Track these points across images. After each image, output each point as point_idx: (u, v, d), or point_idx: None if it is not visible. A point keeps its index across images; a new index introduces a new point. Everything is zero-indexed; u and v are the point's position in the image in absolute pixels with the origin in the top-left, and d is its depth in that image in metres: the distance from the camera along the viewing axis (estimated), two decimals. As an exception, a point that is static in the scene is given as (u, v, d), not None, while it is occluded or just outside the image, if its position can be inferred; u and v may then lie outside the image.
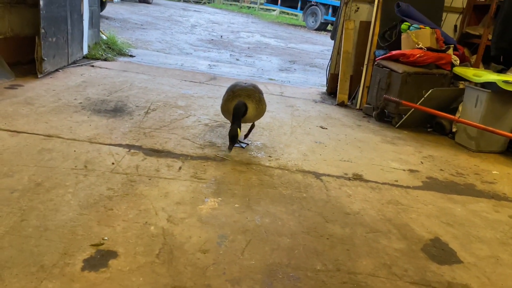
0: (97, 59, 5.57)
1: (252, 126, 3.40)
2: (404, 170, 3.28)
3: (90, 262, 1.70)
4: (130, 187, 2.36)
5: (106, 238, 1.87)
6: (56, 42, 4.45)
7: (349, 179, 2.96)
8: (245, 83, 3.22)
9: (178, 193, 2.39)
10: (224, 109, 3.18)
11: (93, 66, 5.23)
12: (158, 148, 2.98)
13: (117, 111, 3.66)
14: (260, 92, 3.21)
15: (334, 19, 11.41)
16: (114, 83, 4.58)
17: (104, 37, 6.42)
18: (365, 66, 5.15)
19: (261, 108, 3.14)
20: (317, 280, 1.82)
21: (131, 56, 6.30)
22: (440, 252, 2.19)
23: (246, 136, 3.41)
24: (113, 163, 2.62)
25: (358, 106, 5.17)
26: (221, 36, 10.77)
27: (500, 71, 4.78)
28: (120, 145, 2.92)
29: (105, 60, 5.66)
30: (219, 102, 4.47)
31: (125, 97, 4.09)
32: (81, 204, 2.11)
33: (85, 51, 5.48)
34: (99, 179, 2.40)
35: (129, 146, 2.93)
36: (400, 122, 4.45)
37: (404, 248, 2.17)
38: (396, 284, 1.87)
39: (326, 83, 5.89)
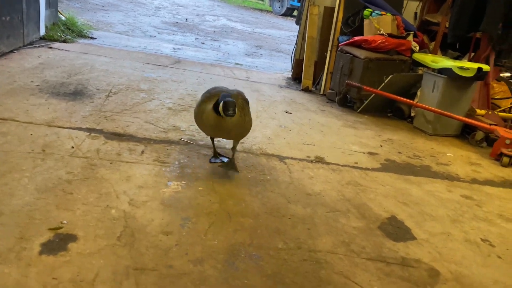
0: (55, 40, 5.34)
1: (234, 148, 2.65)
2: (364, 153, 3.38)
3: (48, 246, 1.67)
4: (90, 171, 2.31)
5: (65, 221, 1.84)
6: (10, 21, 4.23)
7: (311, 161, 3.02)
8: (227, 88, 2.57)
9: (141, 176, 2.37)
10: (199, 114, 2.43)
11: (51, 47, 5.02)
12: (119, 131, 2.92)
13: (77, 94, 3.54)
14: (245, 100, 2.52)
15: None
16: (74, 65, 4.43)
17: (63, 18, 6.15)
18: (328, 52, 5.22)
19: (243, 119, 2.40)
20: (278, 258, 1.87)
21: (92, 38, 6.09)
22: (396, 229, 2.29)
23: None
24: (72, 147, 2.56)
25: (322, 92, 5.25)
26: (186, 19, 10.57)
27: (456, 58, 4.99)
28: (80, 129, 2.85)
29: (64, 41, 5.43)
30: (183, 86, 4.43)
31: (86, 80, 3.96)
32: (39, 188, 2.05)
33: (42, 32, 5.24)
34: (58, 163, 2.34)
35: (90, 130, 2.86)
36: (361, 107, 4.56)
37: (362, 226, 2.26)
38: (353, 261, 1.94)
39: (291, 69, 5.93)
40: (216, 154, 2.72)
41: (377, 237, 2.18)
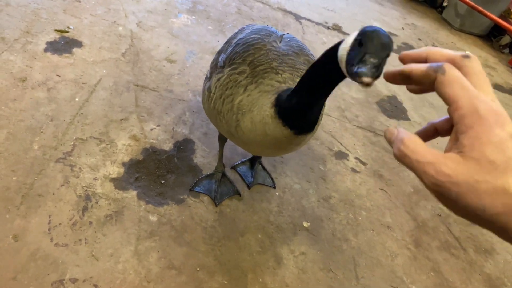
0: None
1: None
2: (383, 31, 3.24)
3: (53, 45, 1.68)
4: (100, -16, 2.21)
5: (71, 27, 1.81)
6: None
7: (328, 28, 2.91)
8: (273, 32, 1.18)
9: (151, 1, 2.28)
10: (232, 119, 1.05)
11: None
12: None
13: None
14: None
15: None
16: None
17: None
18: None
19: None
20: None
21: None
22: (392, 108, 2.32)
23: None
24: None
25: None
26: None
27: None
28: None
29: None
30: None
31: None
32: (46, -11, 1.98)
33: None
34: (67, -32, 2.21)
35: None
36: (394, -15, 4.22)
37: (361, 98, 2.28)
38: (344, 125, 2.01)
39: None
40: (226, 177, 1.44)
41: (373, 111, 2.22)
